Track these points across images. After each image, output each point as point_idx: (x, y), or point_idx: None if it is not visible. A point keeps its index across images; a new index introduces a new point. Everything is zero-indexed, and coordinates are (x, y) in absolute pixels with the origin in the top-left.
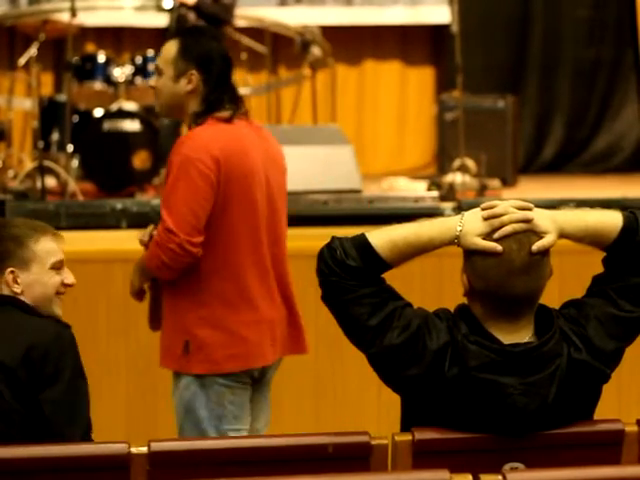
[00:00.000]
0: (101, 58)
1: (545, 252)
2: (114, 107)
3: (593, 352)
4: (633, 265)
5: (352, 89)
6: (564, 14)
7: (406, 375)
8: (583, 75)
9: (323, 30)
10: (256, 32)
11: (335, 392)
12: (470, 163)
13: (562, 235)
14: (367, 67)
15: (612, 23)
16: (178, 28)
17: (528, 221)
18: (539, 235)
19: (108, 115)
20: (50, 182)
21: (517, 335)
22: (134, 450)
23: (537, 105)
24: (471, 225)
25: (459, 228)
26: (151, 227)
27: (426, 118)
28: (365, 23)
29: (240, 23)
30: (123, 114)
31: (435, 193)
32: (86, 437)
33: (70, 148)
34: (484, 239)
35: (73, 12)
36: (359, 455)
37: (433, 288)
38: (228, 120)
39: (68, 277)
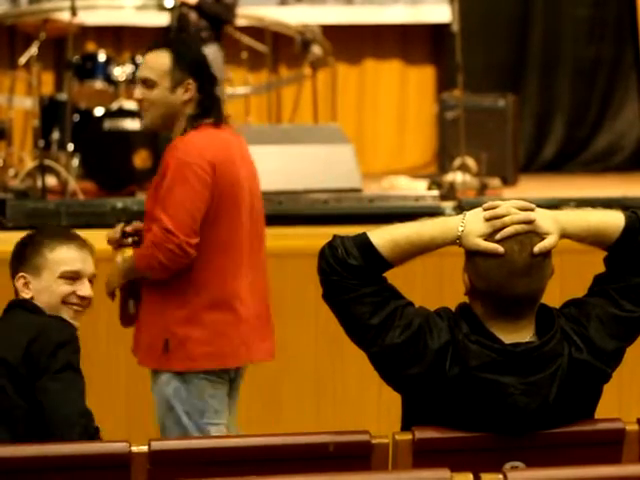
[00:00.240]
0: (101, 57)
1: (547, 253)
2: (115, 106)
3: (594, 352)
4: (634, 265)
5: (352, 88)
6: (564, 13)
7: (407, 374)
8: (583, 74)
9: (323, 29)
10: (256, 31)
11: (335, 391)
12: (470, 162)
13: (564, 235)
14: (367, 66)
15: (612, 21)
16: (179, 29)
17: (530, 222)
18: (541, 236)
19: (109, 114)
20: (51, 181)
21: (518, 335)
22: (135, 449)
23: (537, 104)
24: (473, 226)
25: (461, 228)
26: (121, 225)
27: (426, 117)
28: (365, 22)
29: (240, 22)
30: (124, 113)
31: (435, 192)
32: (88, 428)
33: (71, 147)
34: (486, 240)
35: (73, 11)
36: (360, 454)
37: (434, 287)
38: (218, 125)
39: (82, 289)
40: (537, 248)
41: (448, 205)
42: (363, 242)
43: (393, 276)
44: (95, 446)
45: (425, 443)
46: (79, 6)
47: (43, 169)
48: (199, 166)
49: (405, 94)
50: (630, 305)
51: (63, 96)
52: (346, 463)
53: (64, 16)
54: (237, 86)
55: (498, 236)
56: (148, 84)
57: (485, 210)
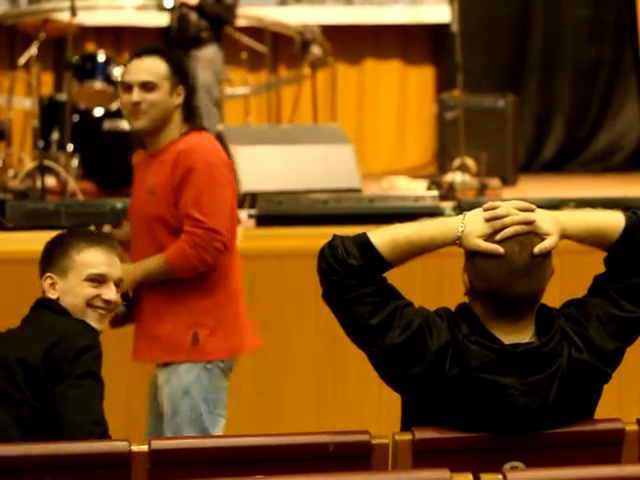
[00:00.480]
0: (101, 57)
1: (547, 254)
2: (114, 106)
3: (594, 352)
4: (635, 265)
5: (352, 88)
6: (564, 13)
7: (407, 374)
8: (583, 74)
9: (323, 29)
10: (256, 31)
11: (335, 391)
12: (470, 162)
13: (564, 236)
14: (367, 66)
15: (612, 22)
16: (179, 29)
17: (530, 223)
18: (541, 237)
19: (108, 114)
20: (50, 181)
21: (518, 335)
22: (135, 448)
23: (537, 104)
24: (473, 226)
25: (461, 229)
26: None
27: (426, 117)
28: (365, 22)
29: (240, 22)
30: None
31: (435, 192)
32: (103, 437)
33: (70, 147)
34: (486, 240)
35: (73, 11)
36: (360, 454)
37: (434, 287)
38: (205, 130)
39: (106, 293)
40: (537, 249)
41: (448, 205)
42: (363, 242)
43: (393, 276)
44: (95, 445)
45: (425, 443)
46: (79, 6)
47: (43, 169)
48: (224, 167)
49: (405, 94)
50: (630, 305)
51: (63, 96)
52: (346, 463)
53: (64, 16)
54: (237, 86)
55: (498, 237)
56: (148, 87)
57: (485, 211)
